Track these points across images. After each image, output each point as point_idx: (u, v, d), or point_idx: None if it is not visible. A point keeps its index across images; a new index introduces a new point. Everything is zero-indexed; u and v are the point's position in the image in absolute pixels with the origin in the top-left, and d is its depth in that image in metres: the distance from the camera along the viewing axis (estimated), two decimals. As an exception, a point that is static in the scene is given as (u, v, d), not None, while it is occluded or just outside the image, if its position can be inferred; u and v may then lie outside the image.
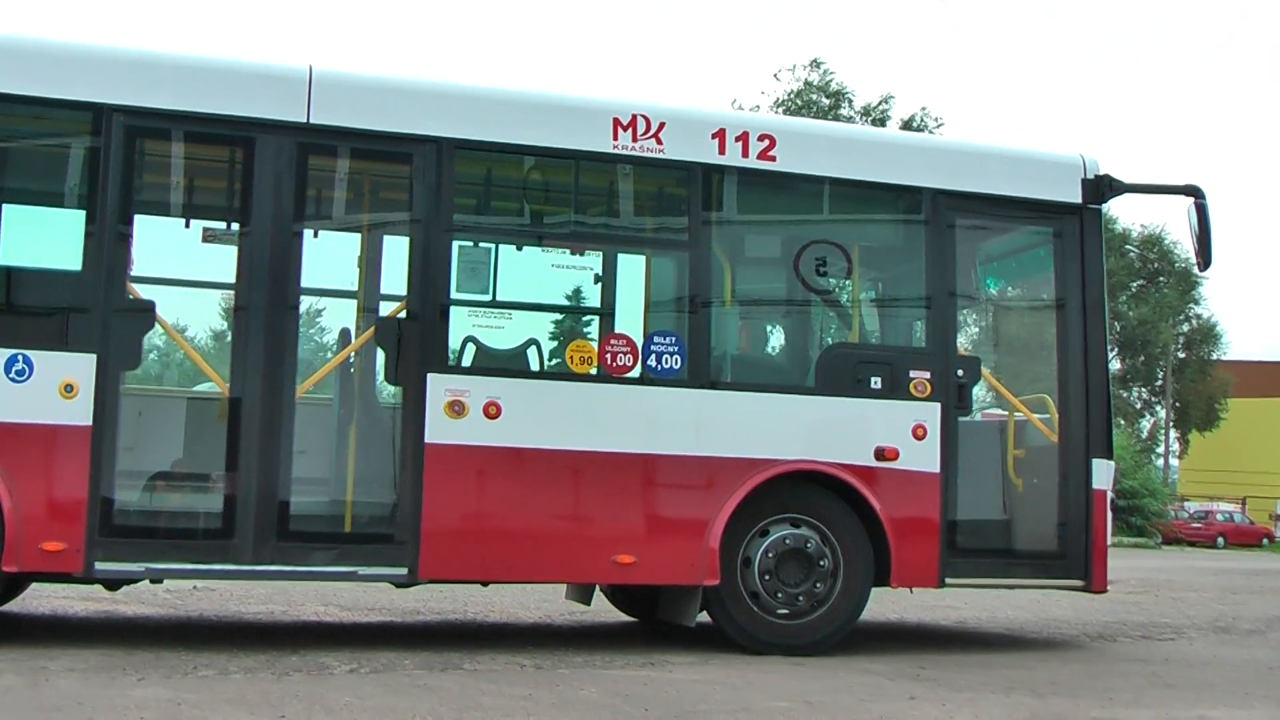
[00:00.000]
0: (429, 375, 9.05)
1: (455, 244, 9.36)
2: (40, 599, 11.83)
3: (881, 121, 60.19)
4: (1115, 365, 70.45)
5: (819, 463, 9.81)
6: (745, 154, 9.89)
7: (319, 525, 9.31)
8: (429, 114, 9.37)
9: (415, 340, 9.11)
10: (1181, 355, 70.06)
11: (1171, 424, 71.45)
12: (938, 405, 10.10)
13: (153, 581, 9.81)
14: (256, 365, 8.91)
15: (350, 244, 10.54)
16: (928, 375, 10.11)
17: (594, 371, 9.55)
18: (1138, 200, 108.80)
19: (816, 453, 9.82)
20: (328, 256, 10.05)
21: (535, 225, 10.43)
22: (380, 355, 9.44)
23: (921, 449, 10.03)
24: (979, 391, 10.82)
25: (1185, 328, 70.75)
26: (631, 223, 10.54)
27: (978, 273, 11.83)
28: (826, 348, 10.82)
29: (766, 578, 9.68)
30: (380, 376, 9.75)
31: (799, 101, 60.00)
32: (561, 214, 10.31)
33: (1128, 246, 71.91)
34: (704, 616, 9.94)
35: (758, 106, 59.89)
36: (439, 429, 9.03)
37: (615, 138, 9.64)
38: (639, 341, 9.71)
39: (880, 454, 9.93)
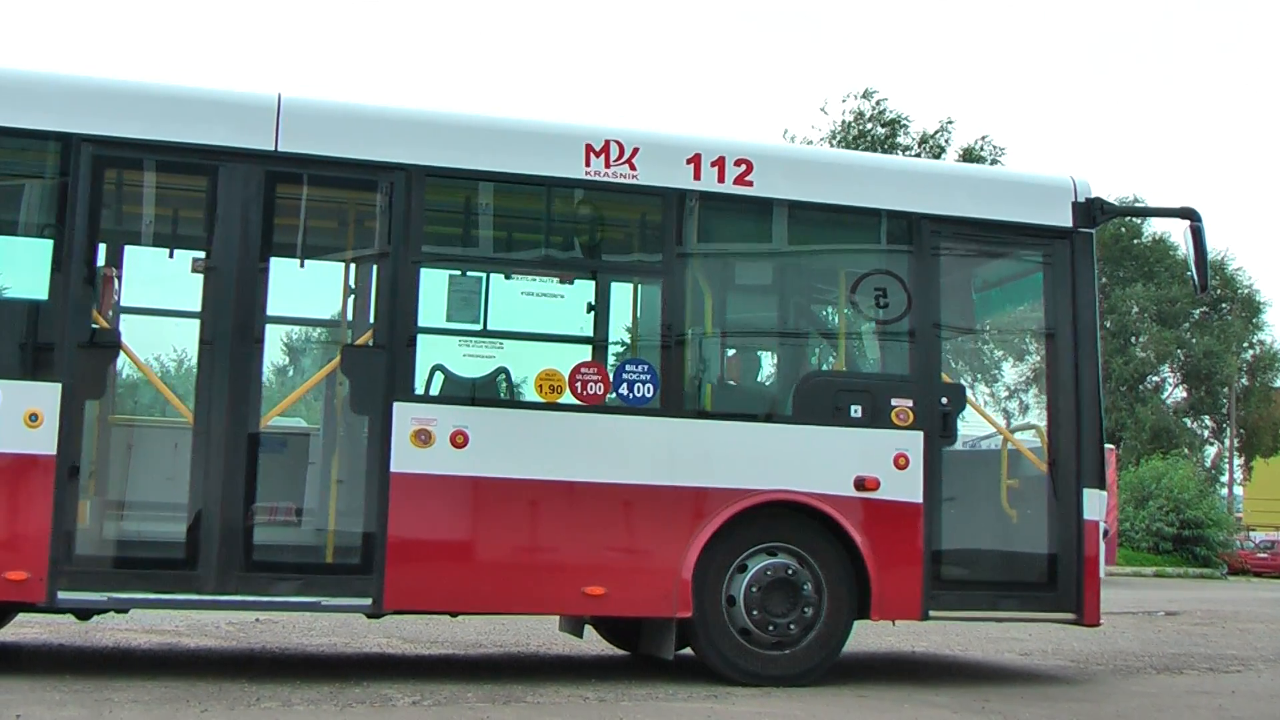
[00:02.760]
0: (395, 404, 8.99)
1: (423, 272, 9.28)
2: (104, 632, 11.90)
3: (940, 150, 59.79)
4: (1181, 395, 69.94)
5: (796, 493, 9.65)
6: (721, 179, 9.78)
7: (284, 555, 9.22)
8: (397, 141, 9.31)
9: (381, 369, 9.05)
10: (1245, 383, 69.39)
11: (1236, 452, 70.79)
12: (920, 434, 9.92)
13: (117, 612, 9.68)
14: (221, 395, 8.85)
15: (319, 273, 10.51)
16: (910, 403, 9.93)
17: (564, 400, 9.44)
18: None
19: (794, 483, 9.66)
20: (297, 285, 10.01)
21: (506, 253, 10.38)
22: (347, 384, 9.36)
23: (903, 478, 9.85)
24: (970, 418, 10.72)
25: (1249, 355, 70.06)
26: (605, 250, 10.48)
27: (974, 301, 11.64)
28: (804, 376, 10.57)
29: (748, 610, 9.53)
30: (348, 406, 9.56)
31: (852, 132, 59.71)
32: (533, 241, 10.16)
33: (1189, 274, 71.34)
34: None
35: (809, 140, 59.64)
36: (405, 458, 8.95)
37: (588, 164, 9.55)
38: (611, 369, 9.65)
39: (860, 484, 9.75)
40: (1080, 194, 10.58)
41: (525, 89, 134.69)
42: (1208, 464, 69.73)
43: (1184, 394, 69.96)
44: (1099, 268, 10.70)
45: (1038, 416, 10.37)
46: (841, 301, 10.63)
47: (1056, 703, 9.47)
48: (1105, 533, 10.37)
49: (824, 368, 10.88)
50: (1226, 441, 70.57)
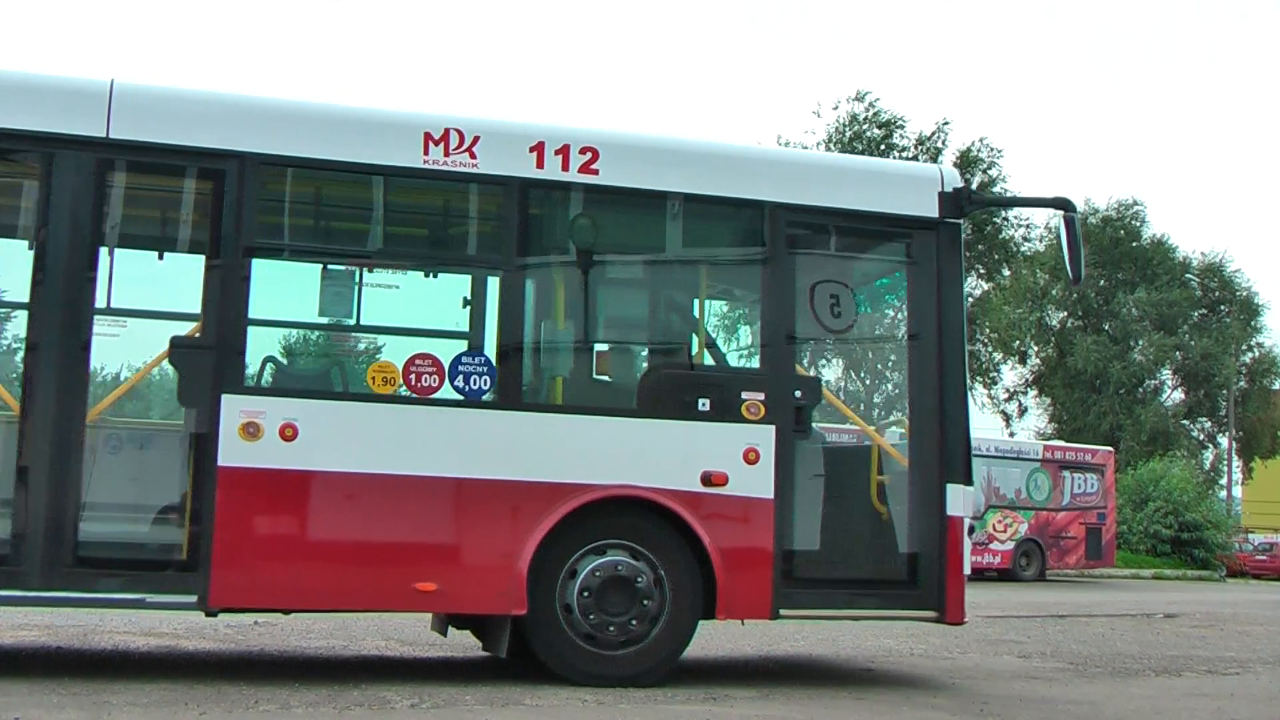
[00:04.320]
0: (223, 396, 8.78)
1: (255, 263, 9.06)
2: (102, 635, 11.89)
3: (937, 152, 59.77)
4: (1179, 397, 69.95)
5: (640, 488, 9.41)
6: (566, 168, 9.57)
7: (111, 551, 9.00)
8: (231, 129, 9.10)
9: (210, 360, 8.85)
10: (1244, 385, 69.43)
11: (1235, 454, 70.82)
12: (772, 428, 9.65)
13: None
14: (49, 387, 8.68)
15: (151, 263, 10.30)
16: (761, 397, 9.68)
17: (397, 392, 9.26)
18: (1198, 228, 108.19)
19: (638, 477, 9.42)
20: (133, 275, 9.79)
21: (342, 243, 10.16)
22: (176, 376, 9.08)
23: (753, 473, 9.58)
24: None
25: (1247, 357, 70.10)
26: (445, 240, 10.34)
27: (853, 297, 11.19)
28: (650, 369, 10.45)
29: (585, 607, 9.27)
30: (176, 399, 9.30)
31: (847, 134, 59.66)
32: (371, 232, 9.94)
33: (1188, 275, 71.41)
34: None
35: (804, 145, 59.59)
36: (232, 451, 8.73)
37: (426, 153, 9.34)
38: (446, 362, 9.40)
39: (707, 479, 9.50)
40: (947, 183, 10.35)
41: (517, 92, 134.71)
42: (1206, 466, 69.74)
43: (1182, 396, 70.01)
44: (965, 259, 10.38)
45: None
46: (692, 293, 10.49)
47: (1056, 705, 9.47)
48: (972, 530, 10.17)
49: (673, 360, 10.59)
50: (1225, 444, 70.62)
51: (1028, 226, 61.71)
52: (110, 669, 9.61)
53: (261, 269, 9.17)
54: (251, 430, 8.76)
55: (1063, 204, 10.57)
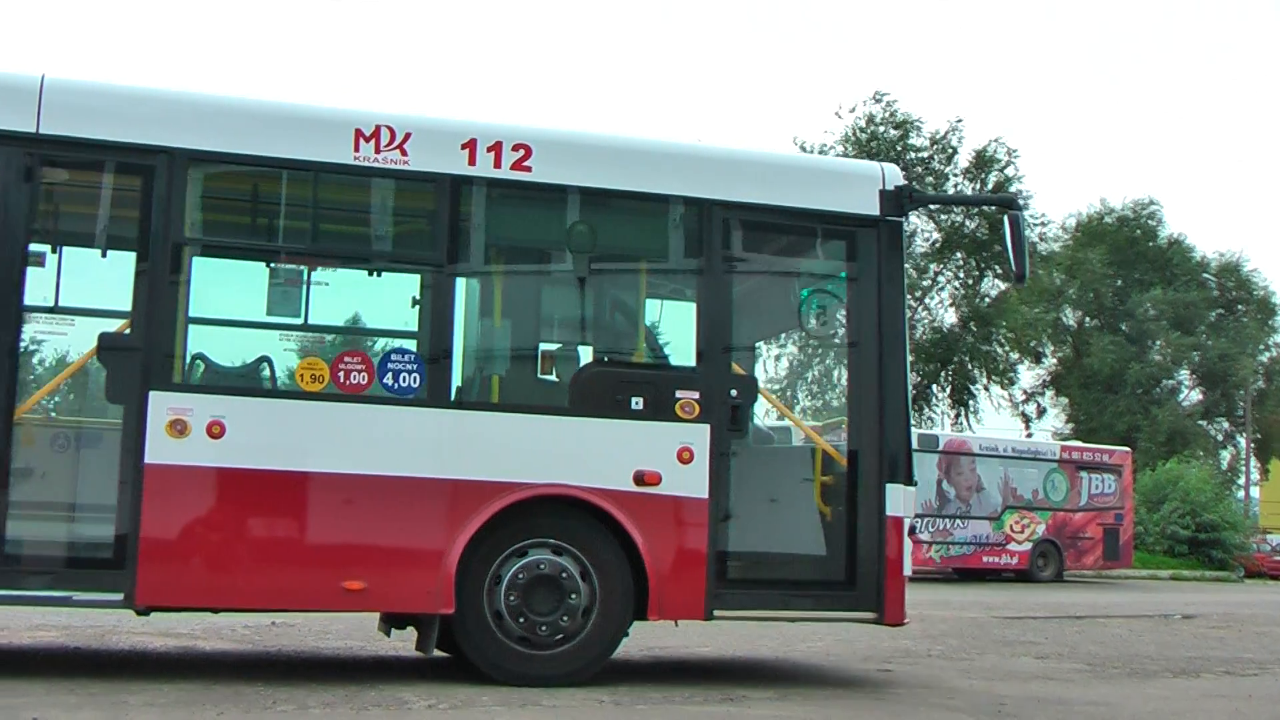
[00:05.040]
0: (151, 393, 8.69)
1: (184, 258, 9.03)
2: (120, 635, 11.92)
3: (953, 151, 59.65)
4: (1196, 397, 69.86)
5: (571, 487, 9.31)
6: (498, 164, 9.48)
7: (38, 549, 8.88)
8: (163, 124, 9.02)
9: (138, 357, 8.77)
10: (1261, 385, 69.32)
11: (1252, 454, 70.69)
12: (707, 427, 9.55)
13: None
14: None
15: (83, 259, 10.19)
16: (696, 395, 9.58)
17: (325, 389, 9.13)
18: (1215, 227, 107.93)
19: (569, 476, 9.31)
20: (61, 273, 9.77)
21: (272, 240, 9.96)
22: (103, 373, 8.94)
23: (687, 473, 9.48)
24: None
25: (1265, 357, 70.00)
26: (375, 236, 10.20)
27: (800, 297, 11.13)
28: (582, 366, 10.12)
29: (513, 606, 9.16)
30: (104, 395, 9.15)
31: (864, 134, 59.52)
32: (301, 228, 9.74)
33: (1205, 275, 71.32)
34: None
35: (823, 147, 59.47)
36: (160, 449, 8.65)
37: (357, 149, 9.27)
38: (375, 359, 9.37)
39: (640, 478, 9.39)
40: (889, 181, 10.20)
41: (530, 96, 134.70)
42: (1223, 467, 69.66)
43: (1200, 397, 69.93)
44: (905, 257, 10.19)
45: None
46: (629, 291, 10.36)
47: (1073, 706, 9.45)
48: (913, 530, 10.05)
49: (606, 358, 10.44)
50: (1242, 444, 70.51)
51: (1044, 225, 61.54)
52: (128, 669, 9.63)
53: (191, 266, 9.18)
54: (179, 428, 8.70)
55: (1008, 202, 10.57)
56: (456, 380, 9.59)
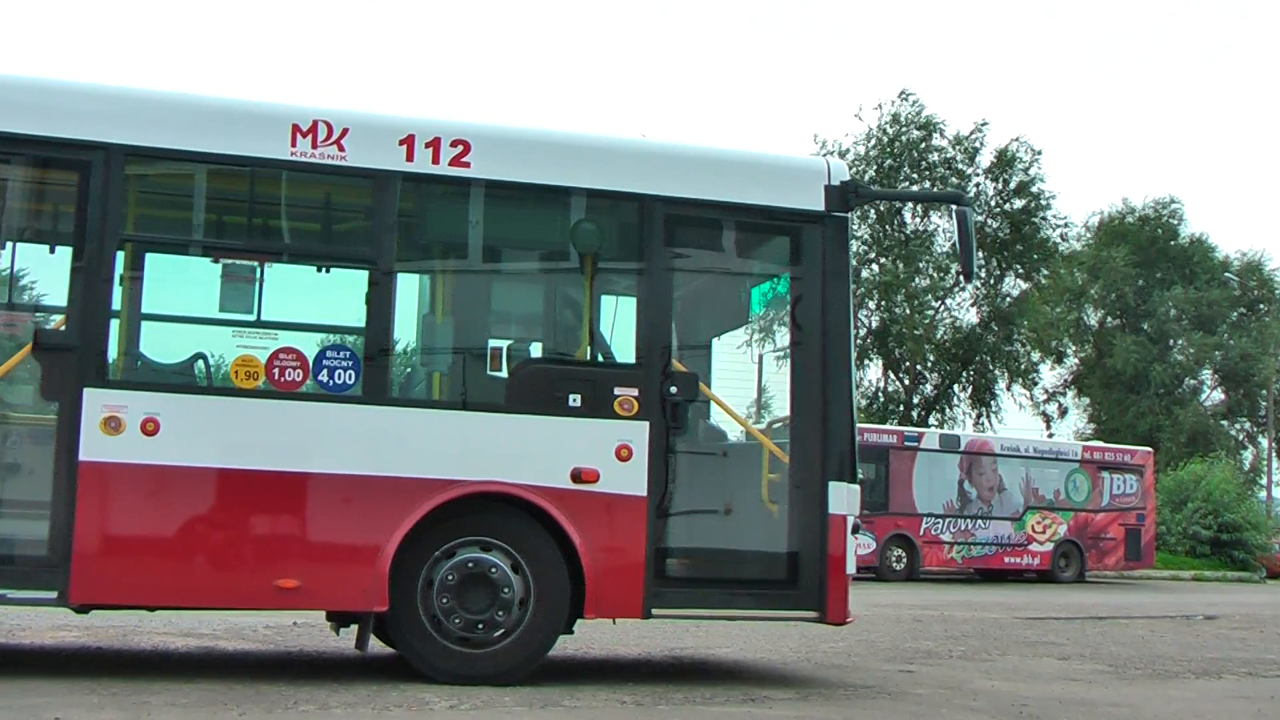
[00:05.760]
0: (85, 390, 8.66)
1: (120, 255, 9.02)
2: (142, 635, 11.95)
3: (975, 151, 59.51)
4: (1219, 397, 69.70)
5: (507, 484, 9.23)
6: (436, 160, 9.42)
7: None
8: (98, 120, 8.98)
9: (73, 354, 8.73)
10: (1284, 384, 69.11)
11: (1275, 454, 70.46)
12: (646, 424, 9.50)
13: None
14: None
15: (24, 256, 10.10)
16: (635, 392, 9.53)
17: (260, 386, 9.09)
18: (1237, 226, 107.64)
19: (506, 474, 9.24)
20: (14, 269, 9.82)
21: (208, 236, 9.82)
22: (38, 369, 8.96)
23: (626, 470, 9.41)
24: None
25: (1287, 356, 69.77)
26: (313, 232, 10.19)
27: (749, 295, 11.25)
28: (519, 364, 10.16)
29: (445, 604, 9.10)
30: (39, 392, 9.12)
31: (888, 134, 59.36)
32: (237, 224, 9.81)
33: (1227, 275, 71.14)
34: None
35: (846, 149, 59.35)
36: (94, 446, 8.61)
37: (294, 144, 9.19)
38: (310, 356, 9.25)
39: (577, 476, 9.33)
40: (834, 176, 10.10)
41: (547, 99, 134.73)
42: (1245, 467, 69.45)
43: (1222, 397, 69.76)
44: (853, 251, 10.05)
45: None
46: (569, 287, 10.28)
47: (1095, 707, 9.43)
48: (857, 528, 9.93)
49: (545, 355, 10.47)
50: (1265, 444, 70.28)
51: (1065, 225, 61.37)
52: (150, 669, 9.65)
53: (127, 262, 9.20)
54: (113, 425, 8.67)
55: (956, 198, 10.54)
56: (393, 377, 9.59)
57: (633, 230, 9.86)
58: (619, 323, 10.18)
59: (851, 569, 9.85)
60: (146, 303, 9.61)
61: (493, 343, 10.42)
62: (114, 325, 9.05)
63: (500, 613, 9.18)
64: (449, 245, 10.05)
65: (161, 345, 9.68)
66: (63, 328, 9.02)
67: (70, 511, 8.59)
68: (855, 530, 9.87)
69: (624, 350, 10.02)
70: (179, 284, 9.75)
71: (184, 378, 9.58)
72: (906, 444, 33.84)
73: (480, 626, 9.15)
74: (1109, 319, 71.44)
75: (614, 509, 9.40)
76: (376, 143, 9.39)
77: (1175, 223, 72.12)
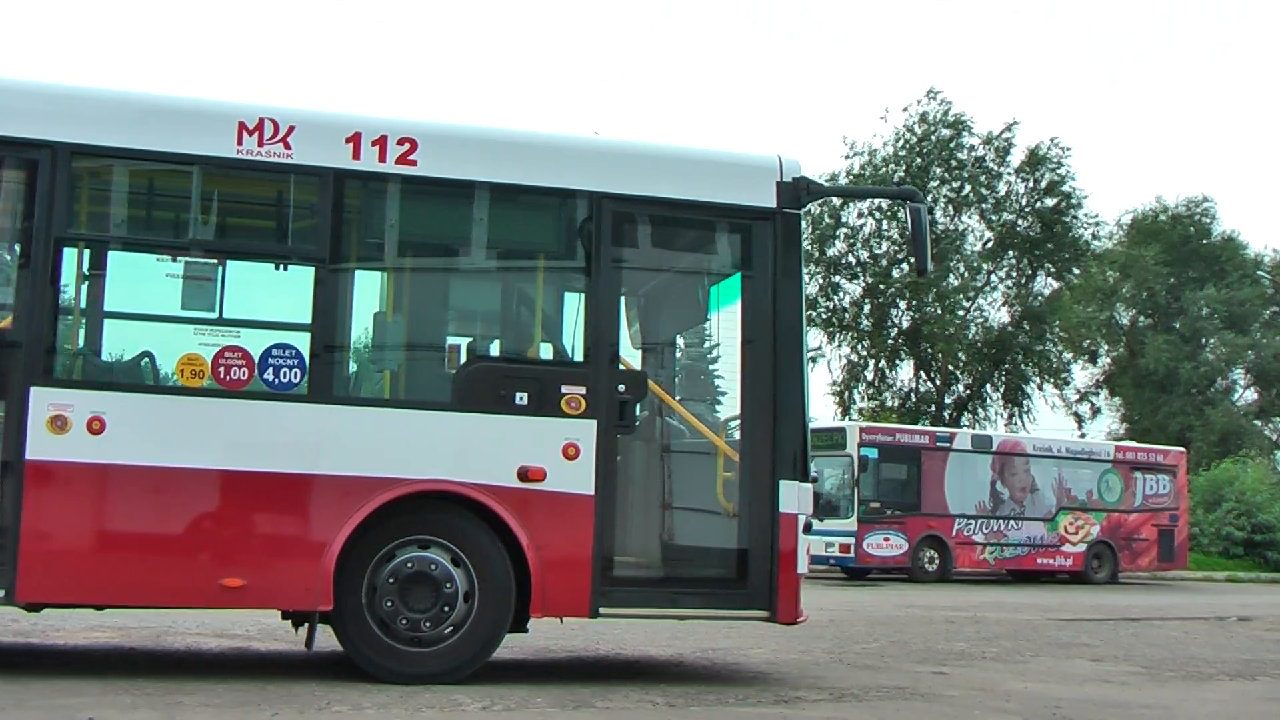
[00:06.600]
0: (32, 389, 8.69)
1: (66, 252, 9.06)
2: (175, 636, 11.99)
3: (1006, 151, 59.39)
4: (1251, 397, 69.40)
5: (453, 483, 9.22)
6: (383, 158, 9.42)
7: None
8: (41, 117, 9.03)
9: (20, 352, 8.74)
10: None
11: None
12: (593, 423, 9.46)
13: None
14: None
15: None
16: (582, 391, 9.50)
17: (205, 385, 9.09)
18: (1270, 224, 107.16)
19: (451, 472, 9.23)
20: None
21: (154, 234, 9.80)
22: None
23: (573, 469, 9.37)
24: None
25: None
26: (258, 231, 10.20)
27: (708, 292, 11.12)
28: (466, 362, 10.01)
29: (388, 603, 9.08)
30: None
31: (916, 134, 59.25)
32: (183, 222, 9.61)
33: (1259, 273, 70.85)
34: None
35: (874, 150, 59.27)
36: (40, 445, 8.63)
37: (240, 142, 9.20)
38: (255, 354, 9.21)
39: (524, 474, 9.29)
40: (786, 173, 10.05)
41: (556, 103, 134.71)
42: (1278, 467, 69.10)
43: (1254, 396, 69.45)
44: (805, 249, 9.97)
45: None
46: (515, 285, 10.28)
47: (1129, 709, 9.39)
48: (809, 527, 9.83)
49: (493, 353, 10.45)
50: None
51: (1097, 224, 61.22)
52: (183, 670, 9.70)
53: (73, 261, 9.24)
54: (59, 423, 8.68)
55: (909, 194, 10.48)
56: (338, 376, 9.57)
57: (580, 228, 9.84)
58: (567, 321, 10.17)
59: (803, 568, 9.80)
60: (93, 301, 9.65)
61: (440, 341, 10.41)
62: (60, 324, 9.12)
63: (445, 608, 9.17)
64: (397, 243, 9.98)
65: (108, 344, 9.72)
66: (9, 326, 9.01)
67: (17, 510, 8.61)
68: (808, 529, 9.82)
69: (575, 349, 10.01)
70: (126, 282, 9.71)
71: (130, 376, 9.57)
72: (938, 444, 33.74)
73: (427, 625, 9.14)
74: (1141, 318, 71.20)
75: (561, 507, 9.37)
76: (323, 140, 9.40)
77: (1207, 221, 71.88)
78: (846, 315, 59.95)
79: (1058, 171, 59.14)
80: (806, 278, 59.47)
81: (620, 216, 9.83)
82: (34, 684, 8.44)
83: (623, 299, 10.45)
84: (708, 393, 11.23)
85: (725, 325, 10.68)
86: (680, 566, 10.23)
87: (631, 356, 11.02)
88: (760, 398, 9.96)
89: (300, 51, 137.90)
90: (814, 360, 60.30)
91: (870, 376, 60.47)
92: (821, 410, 64.17)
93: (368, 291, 9.91)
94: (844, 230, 58.91)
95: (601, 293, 9.78)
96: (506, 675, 9.82)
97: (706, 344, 11.35)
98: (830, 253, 59.12)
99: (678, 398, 11.11)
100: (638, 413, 9.90)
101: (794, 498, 9.75)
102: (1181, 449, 41.02)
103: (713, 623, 10.21)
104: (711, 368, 11.25)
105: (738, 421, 10.22)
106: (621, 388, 9.62)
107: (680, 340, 11.59)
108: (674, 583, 9.96)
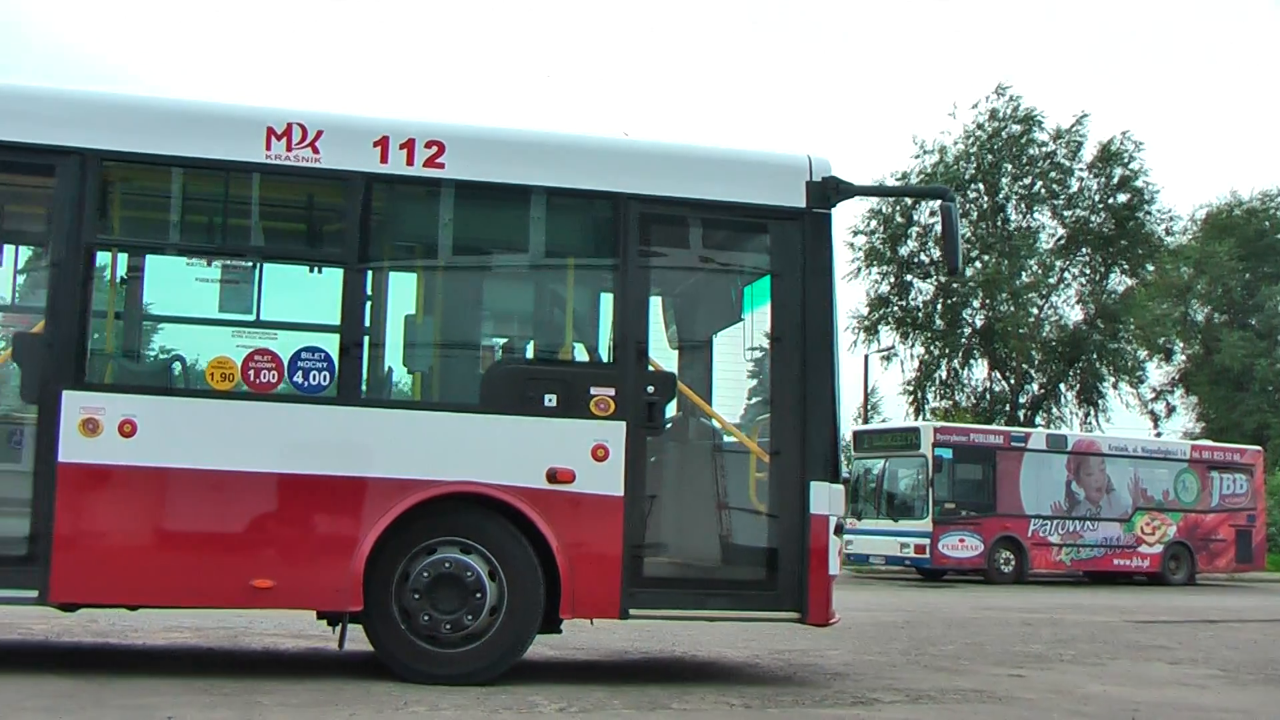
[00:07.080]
0: (64, 392, 8.78)
1: (97, 258, 9.15)
2: (252, 636, 12.07)
3: (1078, 145, 58.98)
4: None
5: (482, 484, 9.23)
6: (410, 162, 9.45)
7: None
8: (74, 125, 9.10)
9: (52, 356, 8.84)
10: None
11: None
12: (622, 424, 9.45)
13: None
14: None
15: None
16: (611, 392, 9.47)
17: (235, 388, 9.15)
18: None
19: (480, 474, 9.24)
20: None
21: (185, 239, 9.78)
22: (18, 371, 9.07)
23: (602, 471, 9.37)
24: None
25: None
26: (287, 235, 10.23)
27: (741, 293, 11.08)
28: (495, 364, 10.08)
29: (417, 604, 9.10)
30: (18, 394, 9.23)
31: (986, 130, 58.94)
32: (214, 227, 9.75)
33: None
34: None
35: (944, 147, 59.00)
36: (73, 448, 8.74)
37: (269, 147, 9.27)
38: (285, 357, 9.27)
39: (553, 476, 9.29)
40: (816, 173, 10.01)
41: (656, 110, 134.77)
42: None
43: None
44: (836, 249, 9.86)
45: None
46: (544, 287, 10.24)
47: (1208, 713, 9.31)
48: (840, 529, 9.80)
49: (522, 355, 10.43)
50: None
51: (1171, 219, 60.72)
52: (260, 670, 9.76)
53: (104, 266, 9.30)
54: (91, 426, 8.77)
55: (940, 193, 10.45)
56: (367, 378, 9.56)
57: (609, 229, 9.82)
58: (596, 323, 10.18)
59: (835, 569, 9.76)
60: (125, 305, 9.72)
61: (469, 343, 10.42)
62: (92, 328, 9.20)
63: (474, 609, 9.18)
64: (425, 246, 10.06)
65: (139, 348, 9.80)
66: (41, 330, 9.10)
67: (50, 512, 8.73)
68: (839, 531, 9.80)
69: (601, 350, 10.06)
70: (157, 286, 9.82)
71: (161, 380, 9.68)
72: (1013, 444, 33.51)
73: (448, 626, 9.16)
74: (1216, 314, 70.45)
75: (590, 509, 9.38)
76: (351, 145, 9.45)
77: (1281, 215, 71.01)
78: (920, 314, 59.74)
79: (1130, 167, 58.73)
80: (879, 277, 59.61)
81: (648, 217, 9.82)
82: (113, 683, 8.52)
83: (659, 300, 10.49)
84: (740, 393, 11.18)
85: (758, 326, 10.68)
86: (710, 568, 10.21)
87: (668, 357, 11.12)
88: (791, 398, 9.94)
89: (292, 51, 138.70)
90: (887, 359, 60.21)
91: (944, 376, 60.26)
92: (894, 410, 64.02)
93: (397, 294, 9.95)
94: (916, 229, 58.72)
95: (630, 294, 9.79)
96: (582, 677, 9.84)
97: (739, 345, 11.31)
98: (902, 251, 58.96)
99: (710, 398, 11.07)
100: (667, 414, 9.93)
101: (825, 499, 9.73)
102: (1258, 448, 40.54)
103: (787, 626, 10.15)
104: (744, 368, 11.21)
105: (769, 422, 10.18)
106: (650, 389, 9.63)
107: (713, 341, 11.57)
108: (704, 584, 9.95)
